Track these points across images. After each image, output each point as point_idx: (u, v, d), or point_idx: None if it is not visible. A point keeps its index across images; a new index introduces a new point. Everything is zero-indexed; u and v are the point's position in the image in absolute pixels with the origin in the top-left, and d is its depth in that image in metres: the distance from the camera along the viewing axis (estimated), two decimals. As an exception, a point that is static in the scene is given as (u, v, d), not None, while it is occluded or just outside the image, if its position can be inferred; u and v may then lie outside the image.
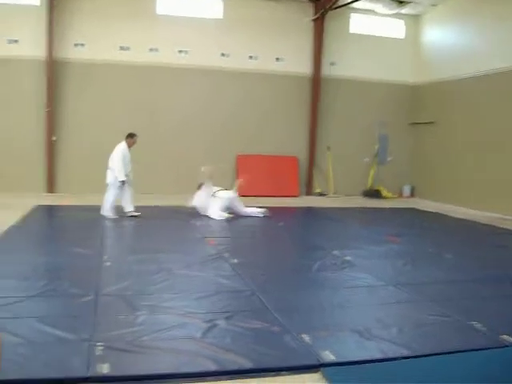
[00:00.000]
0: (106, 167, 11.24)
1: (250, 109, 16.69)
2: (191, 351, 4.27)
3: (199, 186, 12.19)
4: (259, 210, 12.30)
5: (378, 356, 4.34)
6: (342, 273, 7.22)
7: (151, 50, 15.74)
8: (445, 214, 13.80)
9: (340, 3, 16.15)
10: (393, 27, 17.78)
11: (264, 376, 3.99)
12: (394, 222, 12.54)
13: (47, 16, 14.51)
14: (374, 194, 17.31)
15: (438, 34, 17.08)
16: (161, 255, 7.73)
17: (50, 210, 12.50)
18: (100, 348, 4.21)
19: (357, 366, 4.16)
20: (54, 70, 14.86)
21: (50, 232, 10.29)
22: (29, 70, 14.87)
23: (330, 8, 16.26)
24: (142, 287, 6.09)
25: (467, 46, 15.41)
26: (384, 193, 17.36)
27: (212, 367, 4.02)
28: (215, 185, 12.09)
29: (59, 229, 10.53)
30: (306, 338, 4.61)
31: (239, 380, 3.92)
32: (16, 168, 14.74)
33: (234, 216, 11.88)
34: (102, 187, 11.31)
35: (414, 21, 17.78)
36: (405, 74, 17.84)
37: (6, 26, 14.49)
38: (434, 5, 16.74)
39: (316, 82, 17.01)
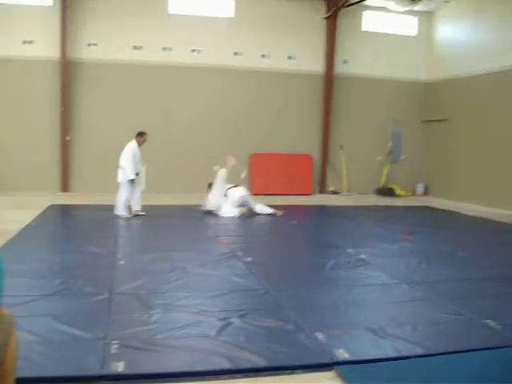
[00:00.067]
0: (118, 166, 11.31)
1: (263, 107, 16.69)
2: (205, 349, 4.28)
3: (209, 186, 12.25)
4: (271, 209, 12.30)
5: (392, 354, 4.33)
6: (355, 271, 7.21)
7: (164, 49, 15.79)
8: (458, 211, 13.72)
9: (352, 1, 16.10)
10: (405, 24, 17.70)
11: (278, 374, 3.99)
12: (408, 220, 12.49)
13: (60, 16, 14.61)
14: (387, 192, 17.26)
15: (450, 31, 16.98)
16: (174, 254, 7.76)
17: (65, 210, 12.58)
18: (115, 346, 4.23)
19: (371, 364, 4.15)
20: (67, 70, 14.95)
21: (65, 231, 10.37)
22: (43, 70, 14.99)
23: (343, 6, 16.21)
24: (156, 286, 6.11)
25: (480, 43, 15.30)
26: (397, 191, 17.30)
27: (226, 365, 4.02)
28: (228, 182, 12.14)
29: (74, 228, 10.60)
30: (320, 336, 4.61)
31: (253, 378, 3.93)
32: (31, 168, 14.89)
33: (248, 211, 11.88)
34: (116, 186, 11.37)
35: (427, 17, 17.67)
36: (417, 71, 17.76)
37: (20, 27, 14.62)
38: (446, 1, 16.63)
39: (329, 81, 16.97)
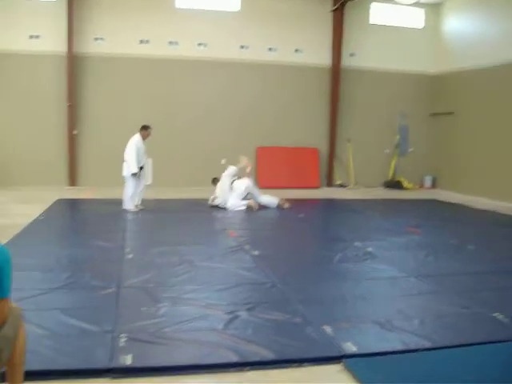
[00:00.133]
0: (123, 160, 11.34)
1: (270, 101, 16.65)
2: (213, 342, 4.29)
3: (213, 181, 12.29)
4: (275, 199, 12.30)
5: (400, 347, 4.33)
6: (363, 264, 7.20)
7: (170, 43, 15.77)
8: (466, 204, 13.67)
9: (359, -7, 16.06)
10: (413, 17, 17.60)
11: (286, 367, 4.00)
12: (415, 213, 12.45)
13: (67, 10, 14.60)
14: (395, 185, 17.22)
15: (458, 23, 16.87)
16: (182, 247, 7.77)
17: (72, 204, 12.62)
18: (123, 339, 4.25)
19: (378, 357, 4.15)
20: (74, 65, 14.96)
21: (73, 225, 10.41)
22: (50, 64, 15.01)
23: (350, -2, 16.18)
24: (164, 279, 6.13)
25: (488, 35, 15.18)
26: (405, 184, 17.25)
27: (234, 358, 4.03)
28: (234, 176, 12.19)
29: (81, 222, 10.64)
30: (328, 329, 4.61)
31: (261, 371, 3.94)
32: (38, 162, 14.92)
33: (255, 205, 11.89)
34: (123, 180, 11.38)
35: (434, 10, 17.57)
36: (425, 63, 17.67)
37: (27, 21, 14.62)
38: (454, -7, 16.57)
39: (335, 74, 16.91)
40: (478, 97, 15.51)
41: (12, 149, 14.78)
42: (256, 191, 12.33)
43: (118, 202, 11.38)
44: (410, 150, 17.15)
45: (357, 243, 8.40)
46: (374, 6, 17.19)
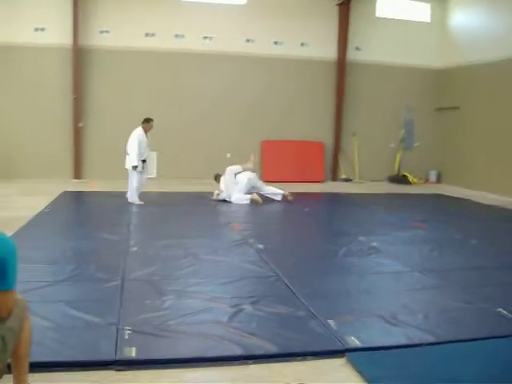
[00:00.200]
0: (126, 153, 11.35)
1: (275, 94, 16.63)
2: (217, 336, 4.30)
3: (216, 178, 12.29)
4: (279, 190, 12.30)
5: (404, 342, 4.33)
6: (367, 259, 7.20)
7: (176, 36, 15.75)
8: (471, 199, 13.64)
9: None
10: (419, 10, 17.53)
11: (289, 361, 4.00)
12: (420, 207, 12.43)
13: (72, 3, 14.59)
14: (400, 179, 17.19)
15: (464, 17, 16.78)
16: (187, 240, 7.78)
17: (78, 196, 12.65)
18: (127, 332, 4.26)
19: (382, 351, 4.15)
20: (79, 58, 14.96)
21: (78, 217, 10.45)
22: (55, 57, 15.02)
23: (356, -8, 16.11)
24: (169, 272, 6.14)
25: (494, 30, 15.09)
26: (410, 178, 17.23)
27: (238, 351, 4.04)
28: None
29: (86, 214, 10.67)
30: (332, 323, 4.61)
31: (265, 364, 3.94)
32: (43, 155, 14.95)
33: (259, 198, 11.88)
34: (127, 173, 11.38)
35: (440, 4, 17.49)
36: (431, 58, 17.60)
37: (32, 14, 14.61)
38: (460, -13, 16.48)
39: (341, 67, 16.87)
40: (484, 91, 15.45)
41: (17, 141, 14.83)
42: (260, 183, 12.35)
43: (123, 195, 11.41)
44: (416, 144, 17.07)
45: (361, 237, 8.38)
46: (380, -1, 17.13)
